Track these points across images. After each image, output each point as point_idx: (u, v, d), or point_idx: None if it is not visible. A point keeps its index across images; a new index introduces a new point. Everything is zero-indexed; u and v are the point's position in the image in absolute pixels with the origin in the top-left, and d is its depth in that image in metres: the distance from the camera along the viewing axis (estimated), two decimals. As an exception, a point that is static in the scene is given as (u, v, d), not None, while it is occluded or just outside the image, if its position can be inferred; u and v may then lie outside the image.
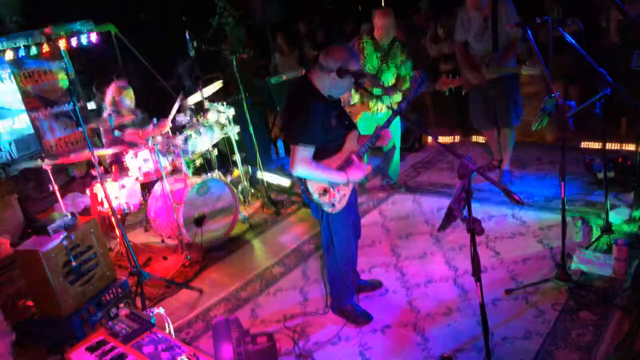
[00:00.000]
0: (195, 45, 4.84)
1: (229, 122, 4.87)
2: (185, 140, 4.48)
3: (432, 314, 3.12)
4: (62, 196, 4.24)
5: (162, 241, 4.61)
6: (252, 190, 5.35)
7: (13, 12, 6.74)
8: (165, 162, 4.34)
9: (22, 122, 5.91)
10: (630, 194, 3.97)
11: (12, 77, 5.74)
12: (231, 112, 4.89)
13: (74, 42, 6.00)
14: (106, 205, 4.00)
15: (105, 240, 3.72)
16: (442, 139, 6.18)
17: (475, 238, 2.14)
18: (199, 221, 4.34)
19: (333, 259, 3.04)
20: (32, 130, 5.88)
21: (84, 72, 7.09)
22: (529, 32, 2.97)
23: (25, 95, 5.81)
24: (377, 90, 4.35)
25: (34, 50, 5.72)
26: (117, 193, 4.26)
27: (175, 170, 4.63)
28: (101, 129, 4.84)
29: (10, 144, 5.76)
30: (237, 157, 5.17)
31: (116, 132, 4.15)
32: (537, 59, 3.02)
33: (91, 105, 5.38)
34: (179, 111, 4.62)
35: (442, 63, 6.31)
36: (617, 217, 3.73)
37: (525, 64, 4.15)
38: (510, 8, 4.30)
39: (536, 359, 2.65)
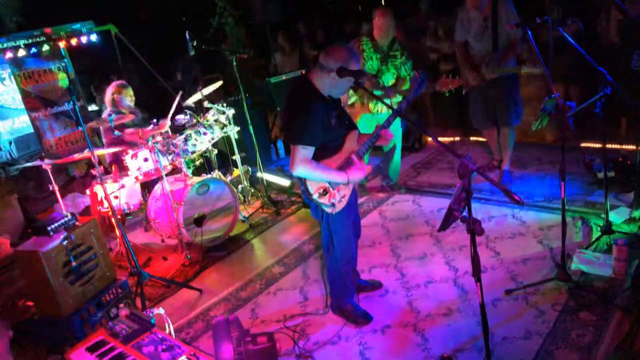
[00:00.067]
0: (195, 45, 4.84)
1: (229, 122, 4.87)
2: (185, 140, 4.48)
3: (432, 314, 3.12)
4: (62, 196, 4.24)
5: (162, 241, 4.61)
6: (252, 190, 5.35)
7: (13, 12, 6.74)
8: (165, 162, 4.34)
9: (22, 122, 5.91)
10: (630, 194, 3.97)
11: (12, 77, 5.74)
12: (231, 112, 4.89)
13: (74, 42, 6.01)
14: (106, 205, 4.00)
15: (105, 240, 3.72)
16: (442, 139, 6.18)
17: (475, 238, 2.14)
18: (199, 221, 4.34)
19: (333, 259, 3.04)
20: (32, 130, 5.88)
21: (84, 72, 7.09)
22: (529, 32, 2.97)
23: (25, 95, 5.81)
24: (377, 91, 4.35)
25: (34, 50, 5.73)
26: (116, 193, 4.26)
27: (175, 170, 4.63)
28: (101, 128, 4.84)
29: (10, 143, 5.76)
30: (237, 157, 5.17)
31: (116, 132, 4.15)
32: (537, 58, 3.02)
33: (92, 107, 5.38)
34: (178, 110, 4.62)
35: (442, 63, 6.31)
36: (617, 217, 3.73)
37: (525, 63, 4.15)
38: (510, 8, 4.30)
39: (536, 359, 2.65)
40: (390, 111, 2.85)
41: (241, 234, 4.66)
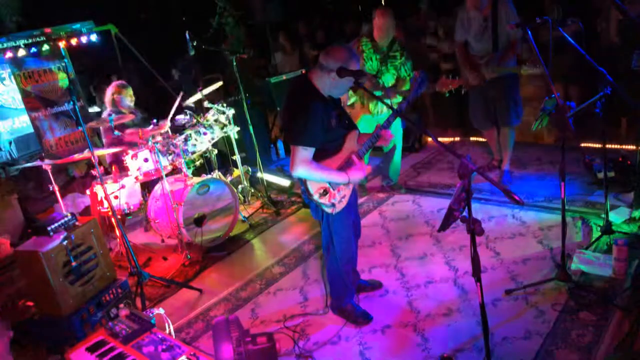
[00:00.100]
0: (195, 45, 4.84)
1: (229, 122, 4.87)
2: (185, 140, 4.48)
3: (432, 315, 3.12)
4: (62, 196, 4.24)
5: (162, 241, 4.61)
6: (252, 191, 5.35)
7: (13, 12, 6.74)
8: (165, 162, 4.35)
9: (22, 122, 5.91)
10: (630, 194, 3.97)
11: (12, 77, 5.74)
12: (231, 112, 4.89)
13: (74, 42, 6.01)
14: (106, 205, 4.00)
15: (105, 240, 3.72)
16: (442, 139, 6.18)
17: (475, 238, 2.14)
18: (199, 221, 4.34)
19: (333, 259, 3.04)
20: (32, 130, 5.89)
21: (84, 72, 7.10)
22: (529, 32, 2.97)
23: (25, 95, 5.81)
24: (377, 92, 4.35)
25: (34, 50, 5.73)
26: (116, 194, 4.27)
27: (175, 171, 4.63)
28: (101, 128, 4.84)
29: (10, 143, 5.76)
30: (237, 157, 5.17)
31: (116, 132, 4.15)
32: (537, 58, 3.02)
33: (94, 109, 5.37)
34: (178, 110, 4.62)
35: (442, 62, 6.31)
36: (617, 217, 3.73)
37: (525, 63, 4.16)
38: (510, 8, 4.30)
39: (536, 359, 2.65)
40: (390, 112, 2.85)
41: (241, 234, 4.66)
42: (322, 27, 8.48)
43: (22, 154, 5.83)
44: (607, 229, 3.56)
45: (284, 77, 6.30)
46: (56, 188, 4.06)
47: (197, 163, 4.93)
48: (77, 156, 4.22)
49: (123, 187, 4.34)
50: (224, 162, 5.77)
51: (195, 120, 4.71)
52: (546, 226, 3.89)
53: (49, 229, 3.21)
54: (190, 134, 4.53)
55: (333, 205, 2.85)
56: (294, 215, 4.89)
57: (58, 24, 5.97)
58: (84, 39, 6.06)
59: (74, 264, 3.24)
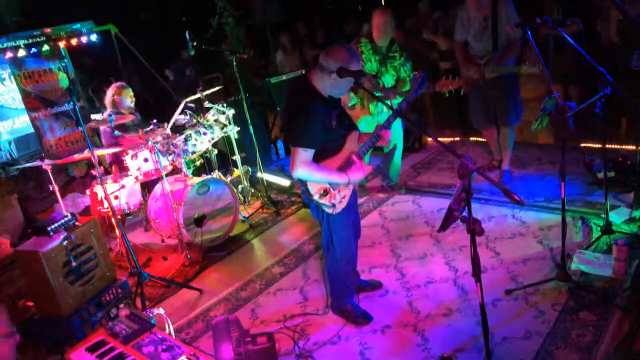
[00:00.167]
0: (195, 45, 4.84)
1: (229, 122, 4.87)
2: (185, 140, 4.48)
3: (432, 315, 3.12)
4: (62, 196, 4.24)
5: (162, 241, 4.61)
6: (252, 190, 5.35)
7: (13, 12, 6.74)
8: (166, 162, 4.35)
9: (22, 122, 5.91)
10: (630, 194, 3.98)
11: (12, 77, 5.74)
12: (231, 112, 4.89)
13: (74, 42, 6.00)
14: (106, 205, 4.00)
15: (105, 240, 3.72)
16: (442, 139, 6.18)
17: (475, 239, 2.14)
18: (199, 221, 4.34)
19: (333, 259, 3.04)
20: (32, 130, 5.89)
21: (84, 72, 7.10)
22: (529, 32, 2.97)
23: (25, 95, 5.81)
24: (377, 93, 4.35)
25: (34, 50, 5.73)
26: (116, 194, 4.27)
27: (175, 171, 4.63)
28: (101, 129, 4.84)
29: (10, 143, 5.76)
30: (237, 157, 5.17)
31: (116, 132, 4.16)
32: (536, 58, 3.02)
33: (97, 117, 5.36)
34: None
35: (441, 62, 6.31)
36: (617, 217, 3.73)
37: (525, 62, 4.15)
38: (510, 8, 4.30)
39: (536, 359, 2.65)
40: (390, 112, 2.85)
41: (241, 234, 4.66)
42: (322, 27, 8.49)
43: (22, 154, 5.83)
44: (607, 229, 3.56)
45: (284, 77, 6.30)
46: (56, 188, 4.06)
47: (197, 163, 4.94)
48: (77, 156, 4.22)
49: (123, 187, 4.34)
50: (224, 162, 5.77)
51: (195, 120, 4.71)
52: (546, 226, 3.89)
53: (49, 229, 3.21)
54: (190, 134, 4.53)
55: (333, 205, 2.85)
56: (294, 215, 4.89)
57: (58, 24, 5.97)
58: (84, 39, 6.06)
59: (74, 264, 3.24)
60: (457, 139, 6.27)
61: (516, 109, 4.59)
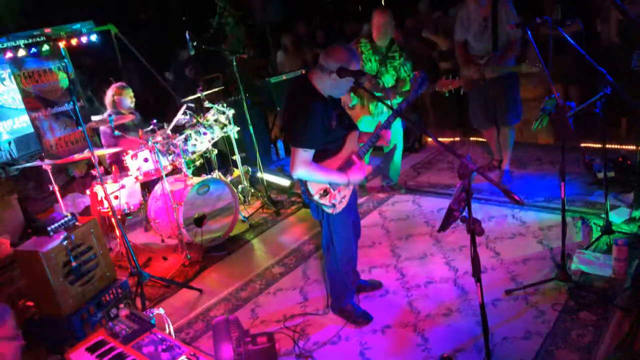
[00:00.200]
0: (195, 45, 4.84)
1: (229, 122, 4.87)
2: (185, 140, 4.48)
3: (432, 315, 3.12)
4: (62, 196, 4.24)
5: (162, 241, 4.61)
6: (252, 191, 5.35)
7: (13, 12, 6.74)
8: (166, 162, 4.35)
9: (22, 122, 5.91)
10: (630, 194, 3.98)
11: (12, 77, 5.74)
12: (231, 112, 4.89)
13: (74, 42, 6.00)
14: (106, 205, 4.00)
15: (105, 240, 3.72)
16: (442, 139, 6.18)
17: (475, 239, 2.14)
18: (199, 221, 4.34)
19: (333, 259, 3.04)
20: (32, 130, 5.88)
21: (84, 72, 7.10)
22: (529, 32, 2.97)
23: (25, 95, 5.81)
24: (377, 93, 4.35)
25: (34, 50, 5.73)
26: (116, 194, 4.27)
27: (175, 171, 4.63)
28: (101, 129, 4.84)
29: (9, 143, 5.76)
30: (237, 157, 5.17)
31: (116, 132, 4.16)
32: (536, 57, 3.02)
33: (95, 117, 5.37)
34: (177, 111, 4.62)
35: (441, 62, 6.31)
36: (617, 217, 3.73)
37: (525, 61, 4.15)
38: (510, 8, 4.30)
39: (536, 359, 2.65)
40: (390, 112, 2.85)
41: (241, 234, 4.66)
42: (322, 27, 8.48)
43: (22, 154, 5.83)
44: (607, 229, 3.57)
45: (284, 77, 6.30)
46: (56, 188, 4.06)
47: (197, 163, 4.94)
48: (77, 156, 4.23)
49: (123, 187, 4.34)
50: (224, 162, 5.77)
51: (195, 120, 4.71)
52: (546, 226, 3.89)
53: (49, 229, 3.21)
54: (190, 134, 4.53)
55: (333, 205, 2.85)
56: (294, 215, 4.89)
57: (58, 24, 5.97)
58: (84, 39, 6.06)
59: (74, 264, 3.24)
60: (457, 139, 6.26)
61: (516, 109, 4.60)
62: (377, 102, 4.44)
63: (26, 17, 6.80)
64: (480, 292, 2.20)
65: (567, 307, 2.97)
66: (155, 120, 4.45)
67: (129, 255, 3.68)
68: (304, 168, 2.70)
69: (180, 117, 4.66)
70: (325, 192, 2.82)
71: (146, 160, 4.27)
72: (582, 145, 5.09)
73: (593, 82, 4.44)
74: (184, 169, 4.45)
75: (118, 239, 4.19)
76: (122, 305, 2.76)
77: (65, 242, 3.20)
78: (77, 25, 6.09)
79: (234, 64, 4.93)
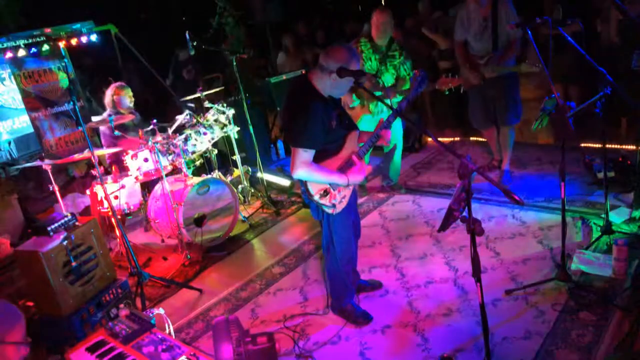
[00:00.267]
0: (195, 45, 4.84)
1: (229, 122, 4.87)
2: (185, 140, 4.48)
3: (432, 315, 3.12)
4: (62, 196, 4.24)
5: (162, 241, 4.61)
6: (252, 191, 5.35)
7: (13, 12, 6.73)
8: (166, 162, 4.35)
9: (22, 122, 5.91)
10: (630, 194, 3.98)
11: (12, 77, 5.74)
12: (231, 112, 4.89)
13: (74, 42, 6.00)
14: (106, 205, 4.00)
15: (105, 240, 3.72)
16: (442, 139, 6.17)
17: (475, 239, 2.14)
18: (199, 221, 4.34)
19: (333, 259, 3.04)
20: (32, 130, 5.88)
21: (84, 72, 7.10)
22: (529, 32, 2.97)
23: (25, 95, 5.81)
24: (377, 92, 4.35)
25: (34, 50, 5.73)
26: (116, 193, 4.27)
27: (175, 171, 4.63)
28: (100, 129, 4.84)
29: (9, 143, 5.76)
30: (237, 157, 5.17)
31: (116, 132, 4.16)
32: (536, 57, 3.02)
33: (95, 118, 5.36)
34: (178, 111, 4.62)
35: (440, 61, 6.31)
36: (617, 217, 3.73)
37: (524, 61, 4.16)
38: (510, 8, 4.30)
39: (536, 359, 2.65)
40: (390, 111, 2.85)
41: (241, 234, 4.66)
42: (322, 27, 8.48)
43: (22, 154, 5.83)
44: (607, 229, 3.57)
45: (284, 77, 6.30)
46: (56, 188, 4.06)
47: (197, 163, 4.94)
48: (77, 156, 4.23)
49: (123, 187, 4.34)
50: (224, 162, 5.77)
51: (195, 120, 4.71)
52: (546, 226, 3.89)
53: (49, 229, 3.21)
54: (190, 134, 4.53)
55: (334, 205, 2.85)
56: (294, 215, 4.89)
57: (58, 24, 5.97)
58: (84, 39, 6.06)
59: (74, 264, 3.24)
60: (457, 139, 6.27)
61: (516, 109, 4.60)
62: (377, 101, 4.44)
63: (26, 17, 6.80)
64: (480, 292, 2.20)
65: (567, 307, 2.96)
66: (155, 120, 4.45)
67: (129, 255, 3.68)
68: (304, 168, 2.70)
69: (181, 120, 4.66)
70: (326, 192, 2.82)
71: (146, 160, 4.27)
72: (582, 145, 5.09)
73: (593, 82, 4.44)
74: (184, 169, 4.45)
75: (118, 239, 4.19)
76: (122, 305, 2.75)
77: (65, 242, 3.20)
78: (77, 25, 6.09)
79: (234, 64, 4.93)
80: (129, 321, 2.53)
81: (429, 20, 6.45)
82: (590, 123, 3.65)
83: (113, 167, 4.53)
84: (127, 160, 4.29)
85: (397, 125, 4.70)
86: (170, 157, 4.38)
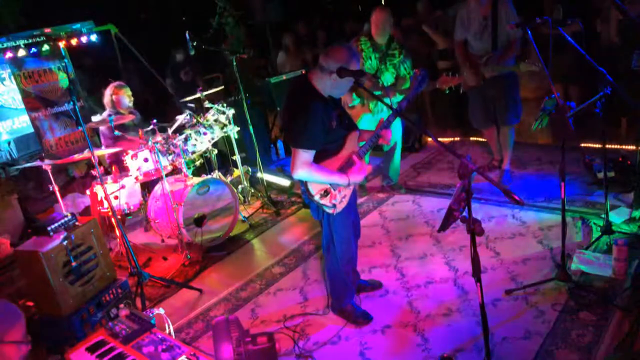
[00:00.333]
0: (195, 45, 4.84)
1: (229, 122, 4.87)
2: (185, 140, 4.48)
3: (432, 315, 3.12)
4: (62, 196, 4.24)
5: (162, 241, 4.61)
6: (252, 191, 5.35)
7: (13, 12, 6.73)
8: (166, 162, 4.35)
9: (22, 122, 5.91)
10: (630, 194, 3.98)
11: (12, 77, 5.74)
12: (231, 112, 4.89)
13: (74, 42, 6.00)
14: (106, 205, 4.00)
15: (105, 240, 3.72)
16: (442, 139, 6.17)
17: (475, 238, 2.14)
18: (199, 221, 4.34)
19: (333, 259, 3.04)
20: (32, 130, 5.88)
21: (84, 72, 7.10)
22: (529, 32, 2.97)
23: (25, 95, 5.81)
24: (377, 92, 4.36)
25: (34, 50, 5.73)
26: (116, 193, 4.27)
27: (175, 171, 4.63)
28: (100, 129, 4.84)
29: (9, 143, 5.76)
30: (237, 157, 5.17)
31: (116, 132, 4.16)
32: (536, 57, 3.02)
33: (97, 117, 5.36)
34: (178, 111, 4.62)
35: (439, 61, 6.30)
36: (617, 217, 3.73)
37: (524, 60, 4.16)
38: (510, 8, 4.30)
39: (536, 359, 2.65)
40: (390, 111, 2.85)
41: (241, 234, 4.66)
42: (322, 27, 8.48)
43: (22, 154, 5.83)
44: (607, 229, 3.56)
45: (284, 77, 6.30)
46: (56, 188, 4.06)
47: (197, 163, 4.94)
48: (77, 156, 4.23)
49: (123, 187, 4.34)
50: (224, 162, 5.77)
51: (195, 120, 4.71)
52: (546, 226, 3.89)
53: (49, 229, 3.21)
54: (190, 134, 4.52)
55: (334, 205, 2.85)
56: (294, 216, 4.89)
57: (58, 24, 5.97)
58: (84, 39, 6.06)
59: (74, 264, 3.24)
60: (457, 139, 6.26)
61: (516, 109, 4.60)
62: (377, 101, 4.45)
63: (26, 17, 6.80)
64: (480, 292, 2.20)
65: (567, 307, 2.97)
66: (155, 120, 4.44)
67: (129, 255, 3.68)
68: (305, 169, 2.70)
69: (181, 120, 4.66)
70: (326, 193, 2.82)
71: (146, 160, 4.27)
72: (582, 145, 5.09)
73: (593, 82, 4.44)
74: (184, 169, 4.45)
75: (118, 239, 4.19)
76: (122, 305, 2.75)
77: (65, 242, 3.20)
78: (77, 25, 6.09)
79: (234, 64, 4.93)
80: (129, 321, 2.53)
81: (429, 18, 6.45)
82: (590, 123, 3.65)
83: (113, 167, 4.53)
84: (127, 160, 4.29)
85: (397, 124, 4.70)
86: (170, 157, 4.38)
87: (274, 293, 3.66)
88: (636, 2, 4.55)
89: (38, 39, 5.75)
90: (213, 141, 4.79)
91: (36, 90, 5.89)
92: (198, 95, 5.02)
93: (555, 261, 3.41)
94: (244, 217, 4.86)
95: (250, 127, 5.09)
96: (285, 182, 5.55)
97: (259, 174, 5.30)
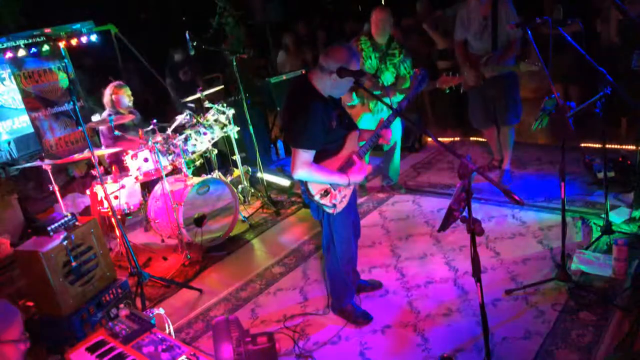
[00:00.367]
0: (195, 45, 4.84)
1: (229, 122, 4.87)
2: (185, 140, 4.48)
3: (432, 315, 3.12)
4: (62, 196, 4.24)
5: (162, 241, 4.61)
6: (252, 191, 5.35)
7: (13, 12, 6.73)
8: (166, 162, 4.35)
9: (22, 122, 5.91)
10: (630, 194, 3.98)
11: (12, 77, 5.74)
12: (231, 112, 4.89)
13: (74, 42, 6.01)
14: (106, 205, 4.01)
15: (105, 240, 3.72)
16: (442, 139, 6.17)
17: (475, 238, 2.14)
18: (199, 221, 4.34)
19: (334, 259, 3.04)
20: (32, 130, 5.89)
21: (85, 72, 7.10)
22: (529, 32, 2.97)
23: (25, 95, 5.81)
24: (376, 91, 4.36)
25: (34, 50, 5.73)
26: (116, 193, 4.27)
27: (175, 171, 4.63)
28: (100, 129, 4.84)
29: (9, 143, 5.76)
30: (237, 157, 5.17)
31: (116, 132, 4.16)
32: (536, 57, 3.02)
33: (96, 118, 5.35)
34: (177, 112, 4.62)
35: (439, 61, 6.31)
36: (617, 217, 3.73)
37: (524, 60, 4.16)
38: (510, 8, 4.31)
39: (536, 359, 2.65)
40: (390, 110, 2.85)
41: (241, 234, 4.66)
42: (322, 27, 8.48)
43: (22, 154, 5.83)
44: (607, 229, 3.57)
45: (284, 77, 6.30)
46: (56, 188, 4.06)
47: (197, 163, 4.94)
48: (77, 156, 4.23)
49: (123, 187, 4.34)
50: (224, 162, 5.77)
51: (195, 120, 4.71)
52: (546, 226, 3.89)
53: (49, 229, 3.21)
54: (190, 134, 4.52)
55: (334, 205, 2.85)
56: (294, 215, 4.89)
57: (58, 24, 5.97)
58: (84, 39, 6.06)
59: (74, 264, 3.24)
60: (457, 139, 6.26)
61: (516, 109, 4.60)
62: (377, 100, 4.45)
63: (26, 17, 6.80)
64: (480, 292, 2.20)
65: (567, 307, 2.97)
66: (155, 120, 4.44)
67: (129, 255, 3.68)
68: (305, 169, 2.70)
69: (180, 120, 4.66)
70: (326, 192, 2.82)
71: (146, 160, 4.27)
72: (582, 145, 5.09)
73: (593, 82, 4.44)
74: (184, 169, 4.45)
75: (118, 239, 4.19)
76: (122, 305, 2.75)
77: (65, 242, 3.20)
78: (77, 25, 6.09)
79: (234, 64, 4.93)
80: (129, 321, 2.53)
81: (429, 18, 6.45)
82: (590, 123, 3.65)
83: (113, 167, 4.53)
84: (127, 160, 4.29)
85: (397, 124, 4.70)
86: (170, 157, 4.38)
87: (274, 293, 3.66)
88: (636, 2, 4.55)
89: (38, 39, 5.75)
90: (213, 141, 4.79)
91: (36, 90, 5.89)
92: (198, 95, 5.02)
93: (555, 261, 3.41)
94: (244, 217, 4.86)
95: (250, 127, 5.09)
96: (285, 182, 5.55)
97: (259, 174, 5.30)
